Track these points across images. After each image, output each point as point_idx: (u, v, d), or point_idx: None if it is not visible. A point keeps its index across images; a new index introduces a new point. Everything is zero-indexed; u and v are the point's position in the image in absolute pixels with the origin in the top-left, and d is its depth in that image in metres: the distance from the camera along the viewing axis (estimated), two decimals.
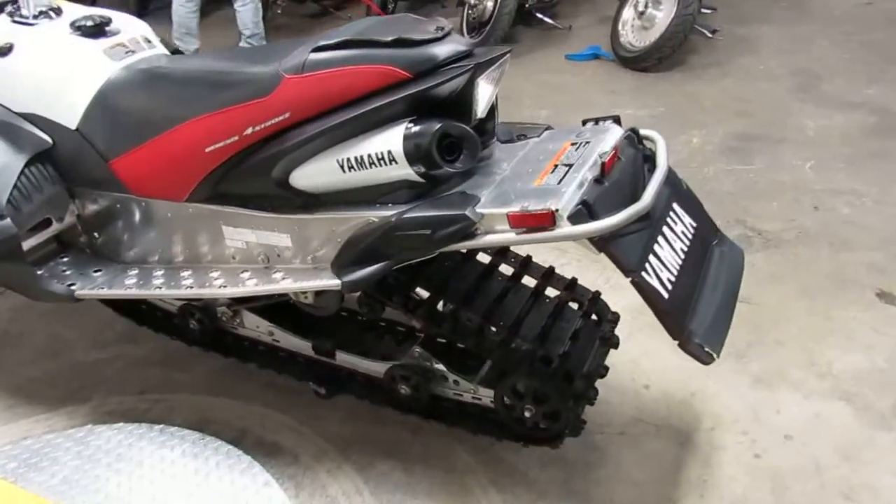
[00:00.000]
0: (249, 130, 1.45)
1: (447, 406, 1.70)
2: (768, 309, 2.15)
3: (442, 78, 1.32)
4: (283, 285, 1.49)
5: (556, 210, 1.21)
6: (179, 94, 1.56)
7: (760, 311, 2.14)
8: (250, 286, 1.53)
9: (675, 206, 1.47)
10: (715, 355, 1.29)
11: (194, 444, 1.72)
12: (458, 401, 1.69)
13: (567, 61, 4.41)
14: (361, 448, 1.76)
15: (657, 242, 1.35)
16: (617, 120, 1.53)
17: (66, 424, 1.89)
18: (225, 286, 1.56)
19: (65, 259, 1.87)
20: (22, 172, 1.70)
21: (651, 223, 1.36)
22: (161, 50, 1.82)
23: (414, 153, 1.32)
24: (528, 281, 1.73)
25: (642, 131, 1.51)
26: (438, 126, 1.31)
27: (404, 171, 1.34)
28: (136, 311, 2.03)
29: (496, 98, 1.51)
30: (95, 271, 1.81)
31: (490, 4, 4.41)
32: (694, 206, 1.52)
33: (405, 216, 1.33)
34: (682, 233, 1.44)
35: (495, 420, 1.62)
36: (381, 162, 1.35)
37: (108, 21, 1.76)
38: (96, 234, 1.85)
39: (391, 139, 1.33)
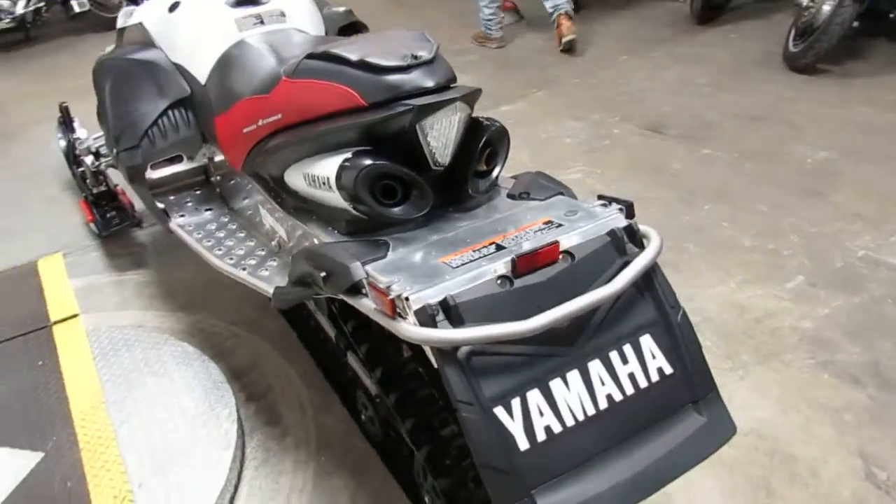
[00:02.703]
0: (260, 122, 1.48)
1: (404, 451, 1.58)
2: None
3: (382, 114, 1.17)
4: (250, 277, 1.53)
5: (406, 298, 1.01)
6: (244, 73, 1.64)
7: None
8: (238, 269, 1.60)
9: (643, 339, 1.10)
10: None
11: (215, 385, 1.89)
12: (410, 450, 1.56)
13: None
14: (335, 453, 1.74)
15: (563, 378, 1.04)
16: (627, 208, 1.19)
17: (170, 326, 2.24)
18: (230, 259, 1.66)
19: (198, 192, 2.16)
20: (164, 113, 1.98)
21: (570, 351, 1.06)
22: (295, 24, 1.91)
23: (343, 186, 1.22)
24: None
25: (643, 228, 1.15)
26: (368, 164, 1.18)
27: (341, 201, 1.25)
28: None
29: (495, 142, 1.30)
30: (206, 210, 2.06)
31: (826, 9, 3.60)
32: (683, 348, 1.12)
33: (318, 249, 1.25)
34: (630, 376, 1.08)
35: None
36: (325, 186, 1.28)
37: None
38: (219, 178, 2.10)
39: (331, 166, 1.25)
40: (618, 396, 1.07)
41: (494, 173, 1.32)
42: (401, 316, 1.02)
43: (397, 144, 1.21)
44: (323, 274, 1.19)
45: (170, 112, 1.98)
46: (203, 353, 2.03)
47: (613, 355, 1.08)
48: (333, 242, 1.25)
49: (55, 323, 2.20)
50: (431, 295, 1.01)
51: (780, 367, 1.90)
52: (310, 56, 1.32)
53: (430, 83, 1.19)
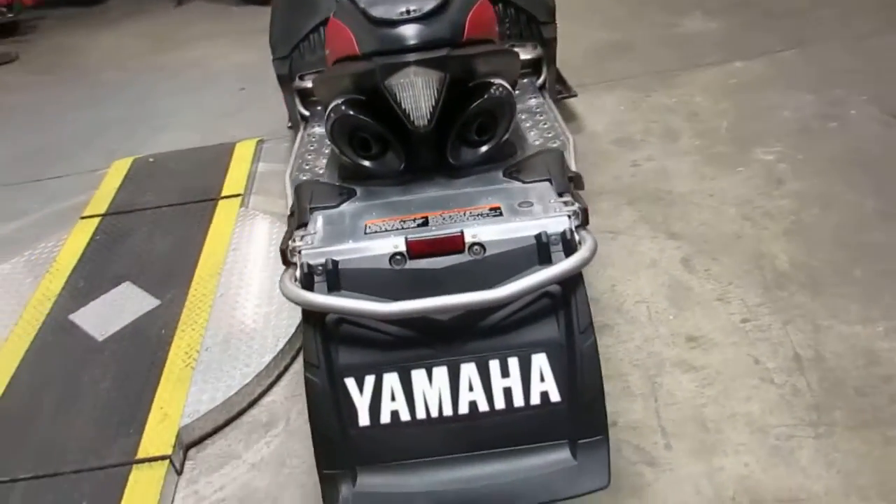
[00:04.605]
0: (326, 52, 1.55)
1: None
2: None
3: (361, 67, 1.17)
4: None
5: (299, 251, 1.05)
6: None
7: None
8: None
9: (536, 356, 1.00)
10: None
11: None
12: None
13: None
14: None
15: (428, 370, 1.01)
16: (582, 212, 1.06)
17: None
18: (304, 176, 1.79)
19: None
20: (315, 29, 2.14)
21: (445, 346, 1.01)
22: None
23: (327, 129, 1.26)
24: None
25: (579, 235, 1.03)
26: (343, 114, 1.21)
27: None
28: None
29: (492, 111, 1.22)
30: None
31: None
32: (580, 379, 0.99)
33: (301, 185, 1.31)
34: (506, 390, 1.00)
35: None
36: None
37: None
38: None
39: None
40: (483, 406, 1.00)
41: (484, 147, 1.24)
42: (294, 266, 1.07)
43: (383, 100, 1.20)
44: (291, 213, 1.27)
45: (321, 28, 2.14)
46: None
47: (493, 364, 1.01)
48: (313, 181, 1.31)
49: (222, 198, 2.60)
50: (319, 255, 1.04)
51: (877, 440, 1.54)
52: None
53: (413, 41, 1.15)
